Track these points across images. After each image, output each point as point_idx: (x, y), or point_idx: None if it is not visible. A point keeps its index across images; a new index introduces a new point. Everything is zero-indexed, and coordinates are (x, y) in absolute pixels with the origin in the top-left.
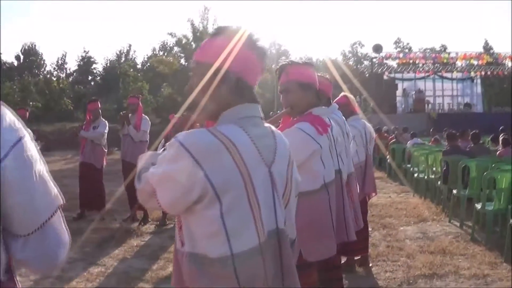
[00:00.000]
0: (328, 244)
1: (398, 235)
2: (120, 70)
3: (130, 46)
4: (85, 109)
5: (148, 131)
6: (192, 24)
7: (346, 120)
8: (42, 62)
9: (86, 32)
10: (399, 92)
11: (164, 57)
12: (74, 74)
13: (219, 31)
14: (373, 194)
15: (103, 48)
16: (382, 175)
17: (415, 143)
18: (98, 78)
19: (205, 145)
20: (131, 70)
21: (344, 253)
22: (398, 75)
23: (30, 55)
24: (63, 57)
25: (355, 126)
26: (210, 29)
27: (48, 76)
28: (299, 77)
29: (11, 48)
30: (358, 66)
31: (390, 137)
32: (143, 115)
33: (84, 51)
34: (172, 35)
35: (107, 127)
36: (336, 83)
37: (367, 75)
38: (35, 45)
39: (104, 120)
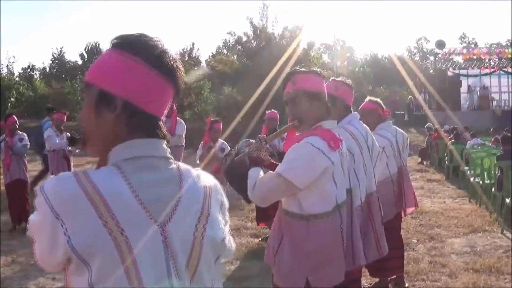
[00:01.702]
0: (337, 270)
1: (444, 248)
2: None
3: (193, 44)
4: None
5: (183, 135)
6: (251, 22)
7: (374, 128)
8: None
9: (149, 30)
10: (463, 88)
11: (225, 56)
12: None
13: (116, 41)
14: (412, 208)
15: (167, 46)
16: (440, 178)
17: (475, 144)
18: None
19: (66, 196)
20: (195, 68)
21: (377, 273)
22: (463, 71)
23: (94, 54)
24: None
25: (384, 136)
26: (270, 27)
27: None
28: (306, 86)
29: (75, 47)
30: (423, 62)
31: (450, 137)
32: (178, 119)
33: None
34: (231, 34)
35: None
36: (402, 80)
37: (431, 71)
38: (99, 44)
39: None
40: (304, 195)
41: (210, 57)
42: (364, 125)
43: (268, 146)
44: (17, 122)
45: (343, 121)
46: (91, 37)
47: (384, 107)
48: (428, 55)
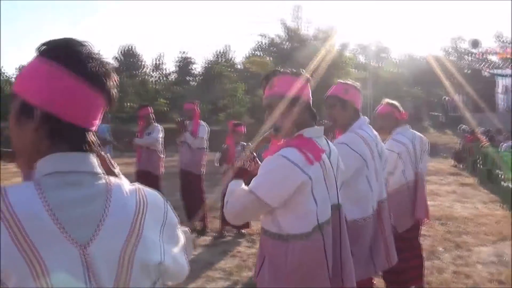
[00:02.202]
0: None
1: (470, 257)
2: (215, 70)
3: (229, 46)
4: (180, 110)
5: (205, 138)
6: (284, 24)
7: (390, 132)
8: (141, 63)
9: (184, 32)
10: (499, 89)
11: (259, 57)
12: (173, 75)
13: (41, 48)
14: (425, 219)
15: (202, 48)
16: (474, 182)
17: (508, 147)
18: (198, 78)
19: None
20: (230, 70)
21: (394, 283)
22: (499, 71)
23: (129, 56)
24: (160, 57)
25: (399, 141)
26: (303, 29)
27: (145, 77)
28: (283, 90)
29: (110, 50)
30: (459, 62)
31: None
32: (200, 121)
33: (182, 51)
34: (263, 36)
35: (162, 132)
36: (439, 80)
37: (466, 71)
38: (134, 47)
39: (158, 125)
40: (281, 213)
41: (245, 59)
42: (373, 130)
43: (254, 155)
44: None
45: (354, 125)
46: (126, 40)
47: (401, 110)
48: (464, 55)
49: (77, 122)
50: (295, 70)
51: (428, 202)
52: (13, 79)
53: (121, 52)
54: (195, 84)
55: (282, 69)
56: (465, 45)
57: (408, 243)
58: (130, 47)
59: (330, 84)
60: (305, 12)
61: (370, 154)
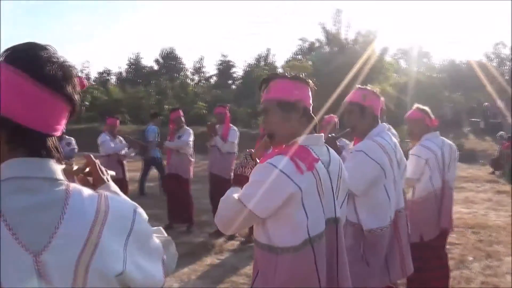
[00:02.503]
0: None
1: (500, 268)
2: (255, 74)
3: (269, 50)
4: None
5: (236, 142)
6: (324, 28)
7: (419, 138)
8: (181, 66)
9: (225, 36)
10: None
11: (299, 61)
12: (213, 78)
13: (3, 53)
14: (450, 230)
15: (243, 51)
16: (509, 189)
17: None
18: (238, 82)
19: None
20: (269, 72)
21: None
22: None
23: (169, 59)
24: (200, 61)
25: (428, 147)
26: (343, 33)
27: (185, 80)
28: (279, 94)
29: (151, 52)
30: (501, 68)
31: None
32: (231, 125)
33: (223, 54)
34: (303, 41)
35: (192, 136)
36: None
37: (507, 77)
38: (174, 50)
39: (188, 128)
40: (271, 225)
41: (285, 63)
42: (393, 137)
43: (256, 162)
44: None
45: (372, 132)
46: (167, 43)
47: (432, 116)
48: (505, 61)
49: (36, 127)
50: (294, 74)
51: (463, 210)
52: None
53: (162, 55)
54: (235, 87)
55: (281, 73)
56: (507, 51)
57: (434, 252)
58: (170, 50)
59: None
60: (345, 16)
61: (389, 162)
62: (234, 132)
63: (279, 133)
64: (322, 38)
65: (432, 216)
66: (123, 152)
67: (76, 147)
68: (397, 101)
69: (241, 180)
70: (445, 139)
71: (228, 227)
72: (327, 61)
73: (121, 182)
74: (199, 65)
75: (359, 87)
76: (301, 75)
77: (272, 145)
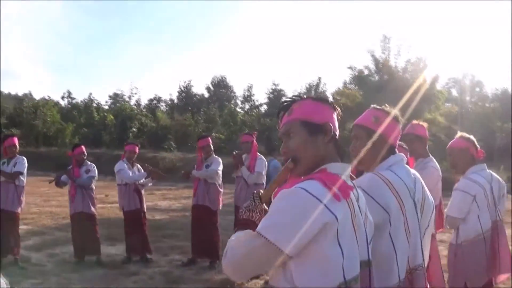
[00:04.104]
0: None
1: None
2: None
3: (320, 78)
4: (267, 142)
5: (264, 173)
6: (373, 55)
7: (463, 171)
8: (232, 94)
9: (275, 64)
10: None
11: (347, 89)
12: (263, 106)
13: None
14: (506, 275)
15: (293, 80)
16: None
17: None
18: None
19: None
20: None
21: None
22: None
23: (220, 87)
24: (250, 89)
25: (475, 181)
26: (392, 60)
27: (235, 108)
28: (304, 114)
29: (202, 80)
30: None
31: None
32: (258, 154)
33: (274, 83)
34: (352, 69)
35: (221, 164)
36: None
37: None
38: (225, 78)
39: (217, 157)
40: (297, 265)
41: (336, 91)
42: (413, 171)
43: (266, 208)
44: (85, 153)
45: (382, 164)
46: (218, 71)
47: (478, 146)
48: None
49: None
50: (320, 96)
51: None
52: (105, 106)
53: (213, 82)
54: None
55: (305, 96)
56: None
57: None
58: (222, 78)
59: (419, 119)
60: (394, 43)
61: (398, 204)
62: (262, 162)
63: (303, 157)
64: (371, 66)
65: (480, 263)
66: (141, 181)
67: (95, 175)
68: (448, 131)
69: (247, 226)
70: (493, 173)
71: (240, 270)
72: (377, 89)
73: (138, 213)
74: (248, 93)
75: (372, 107)
76: (327, 98)
77: (295, 173)
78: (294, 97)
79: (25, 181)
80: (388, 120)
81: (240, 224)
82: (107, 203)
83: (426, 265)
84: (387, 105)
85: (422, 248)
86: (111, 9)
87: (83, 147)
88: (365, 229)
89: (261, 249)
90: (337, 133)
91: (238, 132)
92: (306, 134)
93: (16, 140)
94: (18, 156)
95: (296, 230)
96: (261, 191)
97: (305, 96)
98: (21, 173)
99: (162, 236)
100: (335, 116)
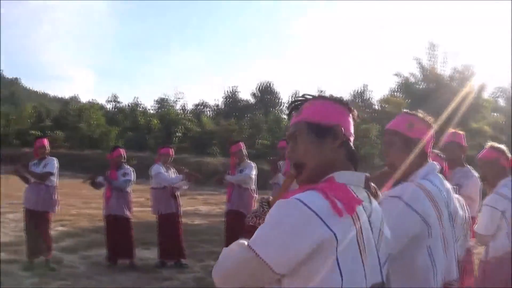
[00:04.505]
0: None
1: None
2: None
3: (365, 86)
4: None
5: None
6: (419, 63)
7: (494, 183)
8: (277, 100)
9: (321, 71)
10: None
11: (393, 96)
12: None
13: None
14: None
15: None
16: None
17: None
18: None
19: None
20: (366, 110)
21: None
22: None
23: (266, 93)
24: (296, 95)
25: (505, 196)
26: (439, 68)
27: (280, 114)
28: (314, 115)
29: (248, 86)
30: None
31: None
32: None
33: (319, 90)
34: (398, 76)
35: (255, 169)
36: None
37: None
38: (271, 84)
39: (250, 161)
40: (290, 284)
41: (381, 99)
42: (446, 181)
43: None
44: (124, 156)
45: (417, 173)
46: (264, 77)
47: (509, 155)
48: None
49: None
50: (334, 96)
51: None
52: (151, 111)
53: (259, 88)
54: None
55: (318, 95)
56: None
57: None
58: (268, 84)
59: (465, 128)
60: (441, 51)
61: (437, 215)
62: None
63: (309, 162)
64: (417, 73)
65: (507, 280)
66: (176, 184)
67: (131, 178)
68: (495, 141)
69: (252, 233)
70: None
71: (228, 283)
72: (423, 97)
73: (174, 217)
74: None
75: (405, 112)
76: (343, 99)
77: (299, 181)
78: (305, 96)
79: (56, 182)
80: (423, 126)
81: (246, 231)
82: (146, 207)
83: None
84: (420, 111)
85: (456, 262)
86: (159, 15)
87: (121, 150)
88: (378, 248)
89: (251, 263)
90: (352, 138)
91: (283, 137)
92: (312, 137)
93: (45, 142)
94: (48, 157)
95: (287, 247)
96: (270, 197)
97: (316, 95)
98: (51, 174)
99: (199, 241)
100: (350, 118)
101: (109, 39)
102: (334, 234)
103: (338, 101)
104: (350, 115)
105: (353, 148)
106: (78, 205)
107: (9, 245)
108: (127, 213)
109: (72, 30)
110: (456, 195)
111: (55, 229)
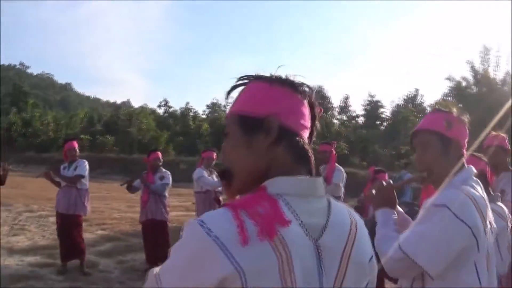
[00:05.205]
0: None
1: None
2: (401, 115)
3: (417, 90)
4: (361, 153)
5: (341, 185)
6: (472, 66)
7: None
8: (328, 105)
9: (372, 75)
10: None
11: (448, 102)
12: (361, 118)
13: None
14: None
15: (391, 92)
16: None
17: None
18: (385, 122)
19: None
20: (418, 115)
21: None
22: None
23: (318, 98)
24: (346, 100)
25: None
26: (492, 72)
27: (330, 119)
28: (242, 105)
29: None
30: None
31: None
32: (336, 165)
33: (371, 94)
34: (449, 80)
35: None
36: None
37: None
38: (322, 88)
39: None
40: None
41: (433, 103)
42: (482, 187)
43: None
44: (161, 159)
45: (457, 178)
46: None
47: None
48: None
49: None
50: (276, 75)
51: None
52: (202, 115)
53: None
54: (383, 128)
55: (260, 74)
56: None
57: None
58: (318, 88)
59: None
60: (494, 55)
61: (483, 226)
62: (340, 173)
63: (236, 167)
64: (470, 77)
65: None
66: (219, 188)
67: (169, 182)
68: None
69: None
70: None
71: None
72: (475, 102)
73: None
74: (344, 105)
75: (438, 109)
76: (289, 79)
77: (229, 192)
78: (243, 79)
79: (87, 184)
80: (461, 124)
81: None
82: (191, 211)
83: None
84: (454, 109)
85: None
86: (211, 22)
87: (158, 153)
88: (323, 278)
89: None
90: (305, 131)
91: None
92: (239, 134)
93: (75, 144)
94: (79, 159)
95: (187, 282)
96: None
97: (255, 75)
98: (82, 176)
99: None
100: (302, 105)
101: (162, 45)
102: (239, 267)
103: (280, 81)
104: (302, 99)
105: (302, 145)
106: (122, 208)
107: (45, 249)
108: (165, 216)
109: (125, 36)
110: (499, 203)
111: (95, 233)
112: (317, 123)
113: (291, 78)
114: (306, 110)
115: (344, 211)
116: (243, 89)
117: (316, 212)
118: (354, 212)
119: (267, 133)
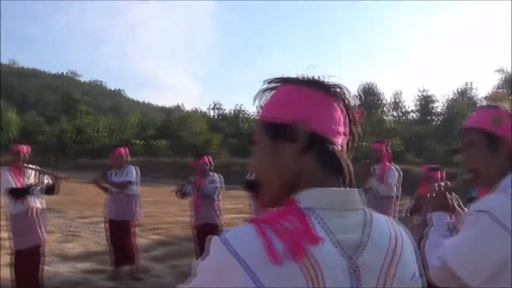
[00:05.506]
0: None
1: None
2: (455, 109)
3: (471, 83)
4: (417, 150)
5: (395, 184)
6: None
7: None
8: (380, 102)
9: (424, 70)
10: None
11: (500, 93)
12: (413, 113)
13: None
14: None
15: (444, 86)
16: None
17: None
18: (438, 118)
19: None
20: (471, 108)
21: None
22: None
23: (369, 94)
24: (398, 95)
25: None
26: None
27: (382, 116)
28: (270, 112)
29: (351, 87)
30: None
31: None
32: (390, 164)
33: (422, 89)
34: (501, 71)
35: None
36: None
37: None
38: (374, 85)
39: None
40: None
41: (485, 96)
42: None
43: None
44: (209, 163)
45: (506, 181)
46: (366, 78)
47: None
48: None
49: None
50: (307, 77)
51: None
52: (254, 117)
53: (361, 89)
54: (437, 123)
55: (288, 76)
56: None
57: None
58: (370, 85)
59: None
60: None
61: None
62: (393, 173)
63: (265, 178)
64: None
65: None
66: None
67: (219, 185)
68: None
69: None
70: None
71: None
72: None
73: None
74: (397, 100)
75: (484, 106)
76: (319, 80)
77: (260, 205)
78: (271, 82)
79: (136, 190)
80: (511, 121)
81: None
82: (244, 213)
83: None
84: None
85: None
86: (260, 23)
87: (206, 157)
88: None
89: None
90: (339, 137)
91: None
92: (267, 142)
93: (123, 150)
94: (128, 166)
95: None
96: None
97: (286, 78)
98: (131, 183)
99: None
100: (334, 109)
101: (212, 48)
102: (260, 286)
103: (309, 82)
104: (335, 102)
105: (334, 153)
106: (176, 212)
107: (98, 255)
108: (218, 220)
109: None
110: None
111: (148, 238)
112: (357, 127)
113: (323, 78)
114: (338, 114)
115: (384, 224)
116: (272, 93)
117: (351, 227)
118: (397, 224)
119: (293, 140)
